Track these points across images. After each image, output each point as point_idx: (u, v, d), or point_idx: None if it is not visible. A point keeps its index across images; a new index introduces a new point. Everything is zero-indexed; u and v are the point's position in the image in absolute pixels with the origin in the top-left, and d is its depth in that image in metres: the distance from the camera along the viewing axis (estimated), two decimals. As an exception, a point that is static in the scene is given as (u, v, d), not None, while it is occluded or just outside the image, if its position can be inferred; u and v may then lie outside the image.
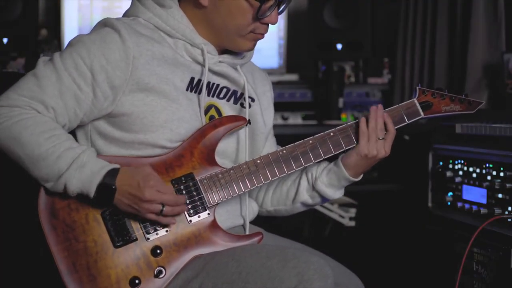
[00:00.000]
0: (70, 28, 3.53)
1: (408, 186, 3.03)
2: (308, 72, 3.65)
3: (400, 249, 2.98)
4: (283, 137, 2.07)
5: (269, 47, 3.61)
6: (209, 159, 1.73)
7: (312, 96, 3.53)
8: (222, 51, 1.82)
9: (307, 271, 1.54)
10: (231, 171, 1.74)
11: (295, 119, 3.43)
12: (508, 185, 2.13)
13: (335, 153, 1.82)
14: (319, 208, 3.26)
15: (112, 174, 1.60)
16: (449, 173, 2.43)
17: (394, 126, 1.83)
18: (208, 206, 1.71)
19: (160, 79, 1.69)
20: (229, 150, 1.82)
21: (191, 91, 1.75)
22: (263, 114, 1.91)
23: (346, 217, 3.35)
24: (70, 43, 1.70)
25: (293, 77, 3.63)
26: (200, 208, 1.70)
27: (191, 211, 1.70)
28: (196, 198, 1.70)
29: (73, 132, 1.74)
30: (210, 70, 1.78)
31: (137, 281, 1.63)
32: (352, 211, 3.37)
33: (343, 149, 1.83)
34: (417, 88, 1.87)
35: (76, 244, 1.63)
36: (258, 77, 1.97)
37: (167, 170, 1.70)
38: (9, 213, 1.88)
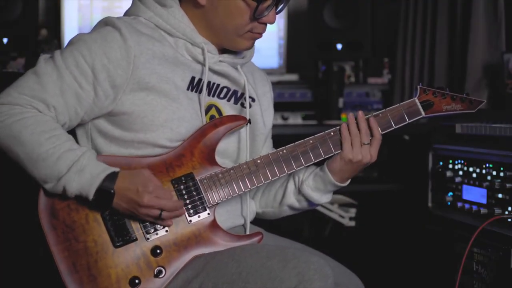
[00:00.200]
0: (70, 28, 3.53)
1: (408, 186, 3.03)
2: (308, 72, 3.65)
3: (400, 249, 2.98)
4: (283, 137, 2.07)
5: (269, 47, 3.61)
6: (210, 159, 1.73)
7: (312, 96, 3.52)
8: (223, 50, 1.82)
9: (307, 271, 1.54)
10: (231, 170, 1.74)
11: (295, 119, 3.43)
12: (508, 185, 2.13)
13: (336, 153, 1.81)
14: (319, 208, 3.26)
15: (111, 178, 1.60)
16: (449, 173, 2.43)
17: (381, 131, 1.81)
18: (208, 206, 1.71)
19: (161, 78, 1.69)
20: (230, 150, 1.82)
21: (191, 90, 1.75)
22: (263, 114, 1.91)
23: (346, 217, 3.35)
24: (71, 42, 1.70)
25: (293, 77, 3.63)
26: (200, 208, 1.70)
27: (191, 211, 1.70)
28: (196, 198, 1.70)
29: (73, 131, 1.74)
30: (210, 70, 1.78)
31: (137, 281, 1.63)
32: (352, 211, 3.38)
33: (344, 149, 1.82)
34: (418, 87, 1.87)
35: (76, 244, 1.63)
36: (258, 77, 1.97)
37: (167, 169, 1.70)
38: (9, 214, 1.88)
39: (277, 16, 1.78)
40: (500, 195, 2.18)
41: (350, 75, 3.62)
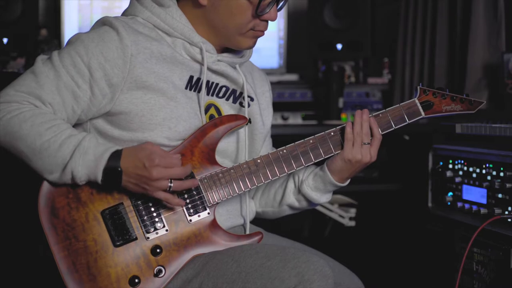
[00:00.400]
0: (70, 28, 3.53)
1: (408, 186, 3.03)
2: (308, 72, 3.66)
3: (400, 249, 2.98)
4: (283, 137, 2.07)
5: (269, 47, 3.61)
6: (210, 158, 1.73)
7: (312, 96, 3.52)
8: (221, 50, 1.82)
9: (307, 271, 1.54)
10: (232, 170, 1.74)
11: (295, 119, 3.43)
12: (508, 185, 2.13)
13: (336, 152, 1.81)
14: (319, 208, 3.26)
15: (116, 156, 1.59)
16: (449, 173, 2.43)
17: (381, 131, 1.81)
18: (208, 205, 1.71)
19: (159, 77, 1.69)
20: (229, 150, 1.82)
21: (190, 89, 1.75)
22: (262, 114, 1.91)
23: (346, 217, 3.35)
24: (69, 41, 1.71)
25: (293, 77, 3.63)
26: (200, 207, 1.70)
27: (191, 210, 1.70)
28: (196, 197, 1.70)
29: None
30: (209, 69, 1.78)
31: (136, 280, 1.63)
32: (352, 211, 3.37)
33: (344, 149, 1.82)
34: (418, 87, 1.87)
35: (76, 243, 1.63)
36: (257, 77, 1.97)
37: (167, 169, 1.70)
38: (9, 212, 1.88)
39: (277, 16, 1.78)
40: (500, 195, 2.18)
41: (350, 75, 3.62)
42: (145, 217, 1.67)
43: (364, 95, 3.57)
